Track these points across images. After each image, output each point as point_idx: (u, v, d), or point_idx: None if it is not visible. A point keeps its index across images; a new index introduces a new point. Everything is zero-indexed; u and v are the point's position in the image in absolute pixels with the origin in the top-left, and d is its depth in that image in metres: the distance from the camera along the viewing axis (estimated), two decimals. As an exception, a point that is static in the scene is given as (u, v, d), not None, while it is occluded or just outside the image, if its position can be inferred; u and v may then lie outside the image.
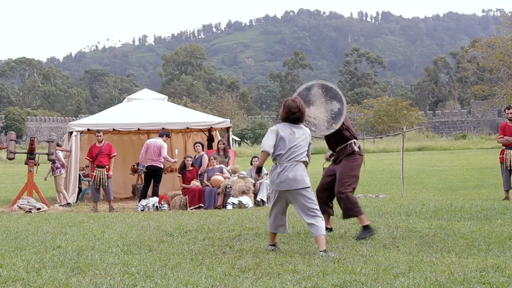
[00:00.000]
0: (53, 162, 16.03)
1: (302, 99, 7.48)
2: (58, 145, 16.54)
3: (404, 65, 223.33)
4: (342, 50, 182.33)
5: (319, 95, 7.93)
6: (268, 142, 7.13)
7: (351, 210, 8.16)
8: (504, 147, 13.29)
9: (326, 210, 8.52)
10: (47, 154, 15.98)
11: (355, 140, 8.36)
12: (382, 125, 70.46)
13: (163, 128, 16.67)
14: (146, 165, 15.34)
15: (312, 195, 7.11)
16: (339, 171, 8.27)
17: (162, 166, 15.48)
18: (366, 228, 8.05)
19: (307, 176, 7.12)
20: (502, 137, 13.23)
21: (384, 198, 15.11)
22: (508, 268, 5.66)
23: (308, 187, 7.06)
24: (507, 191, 13.17)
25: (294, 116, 7.19)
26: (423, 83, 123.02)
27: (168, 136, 16.15)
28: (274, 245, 7.40)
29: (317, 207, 7.12)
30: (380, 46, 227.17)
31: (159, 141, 15.59)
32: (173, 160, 16.12)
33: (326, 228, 7.78)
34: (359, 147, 8.39)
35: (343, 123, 8.07)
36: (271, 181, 7.22)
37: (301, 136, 7.19)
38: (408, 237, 7.92)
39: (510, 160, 13.08)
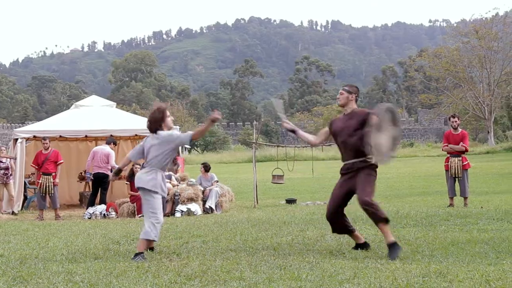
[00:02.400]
0: (6, 169, 15.73)
1: (378, 125, 7.07)
2: None
3: (353, 73, 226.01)
4: (293, 58, 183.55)
5: (388, 120, 7.17)
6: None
7: (378, 216, 7.27)
8: (448, 155, 13.57)
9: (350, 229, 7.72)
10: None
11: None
12: (331, 133, 71.05)
13: (110, 135, 16.51)
14: (93, 173, 15.19)
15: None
16: (359, 181, 7.44)
17: (109, 173, 15.35)
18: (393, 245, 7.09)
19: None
20: (447, 145, 13.51)
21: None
22: (450, 274, 5.76)
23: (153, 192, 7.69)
24: (451, 198, 13.44)
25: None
26: (372, 92, 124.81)
27: (115, 143, 16.03)
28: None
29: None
30: (329, 54, 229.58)
31: (106, 148, 15.46)
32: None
33: (359, 245, 7.57)
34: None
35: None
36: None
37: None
38: (354, 244, 7.99)
39: (454, 168, 13.35)
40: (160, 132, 7.80)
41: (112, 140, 15.88)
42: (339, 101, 7.69)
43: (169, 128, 7.80)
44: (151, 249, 7.87)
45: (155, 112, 7.89)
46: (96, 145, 17.50)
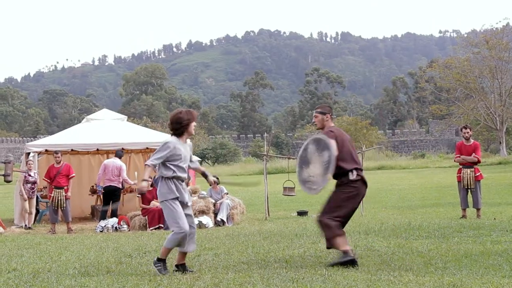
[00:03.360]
0: (34, 183, 15.82)
1: (302, 161, 7.64)
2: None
3: (364, 85, 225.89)
4: (303, 70, 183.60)
5: (314, 150, 7.61)
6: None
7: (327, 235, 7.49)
8: (461, 166, 13.52)
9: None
10: (4, 175, 15.72)
11: (353, 170, 7.58)
12: (342, 144, 70.96)
13: (122, 149, 16.58)
14: (104, 186, 15.24)
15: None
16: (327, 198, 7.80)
17: (120, 186, 15.44)
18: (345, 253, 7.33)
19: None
20: (459, 156, 13.47)
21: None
22: (463, 286, 5.73)
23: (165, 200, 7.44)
24: (464, 209, 13.38)
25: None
26: (382, 103, 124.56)
27: (121, 156, 16.14)
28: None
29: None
30: (340, 66, 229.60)
31: (118, 161, 15.54)
32: (132, 183, 16.08)
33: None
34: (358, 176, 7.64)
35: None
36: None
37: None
38: (366, 256, 7.97)
39: (467, 179, 13.30)
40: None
41: (121, 153, 15.99)
42: (316, 125, 7.95)
43: (190, 135, 7.57)
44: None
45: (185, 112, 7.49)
46: (108, 158, 17.56)
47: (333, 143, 7.40)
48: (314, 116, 7.93)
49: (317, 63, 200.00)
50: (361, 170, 7.72)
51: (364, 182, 7.69)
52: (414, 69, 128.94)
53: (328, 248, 7.60)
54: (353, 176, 7.49)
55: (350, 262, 7.13)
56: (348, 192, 7.56)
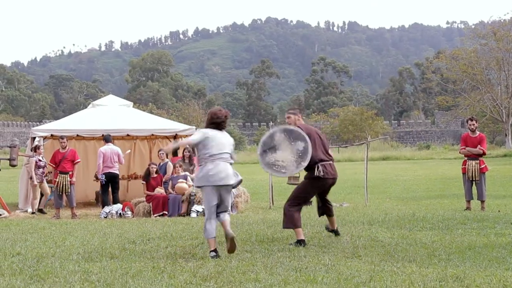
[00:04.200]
0: (44, 166, 15.83)
1: (267, 146, 8.53)
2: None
3: (370, 75, 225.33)
4: (309, 59, 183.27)
5: (283, 139, 8.50)
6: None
7: (288, 222, 8.60)
8: (466, 158, 13.48)
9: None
10: (9, 159, 15.77)
11: (320, 164, 8.57)
12: (347, 134, 71.10)
13: (127, 135, 16.58)
14: (103, 172, 15.22)
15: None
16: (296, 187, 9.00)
17: (118, 172, 15.48)
18: (299, 242, 8.36)
19: None
20: (464, 148, 13.42)
21: (348, 207, 15.20)
22: (467, 278, 5.73)
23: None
24: (468, 201, 13.36)
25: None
26: (388, 93, 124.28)
27: (109, 140, 16.08)
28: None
29: None
30: (346, 55, 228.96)
31: (114, 147, 15.52)
32: (125, 153, 16.20)
33: (332, 231, 9.06)
34: (325, 169, 8.63)
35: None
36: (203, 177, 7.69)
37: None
38: (370, 247, 7.97)
39: (472, 171, 13.27)
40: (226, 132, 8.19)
41: (110, 136, 15.92)
42: (289, 124, 8.93)
43: None
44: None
45: (225, 112, 8.30)
46: (113, 144, 17.58)
47: (307, 137, 8.43)
48: (287, 117, 9.04)
49: (324, 52, 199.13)
50: (329, 161, 8.79)
51: (332, 169, 8.80)
52: (421, 60, 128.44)
53: (284, 228, 8.81)
54: (318, 172, 8.47)
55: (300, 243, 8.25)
56: (315, 186, 8.71)
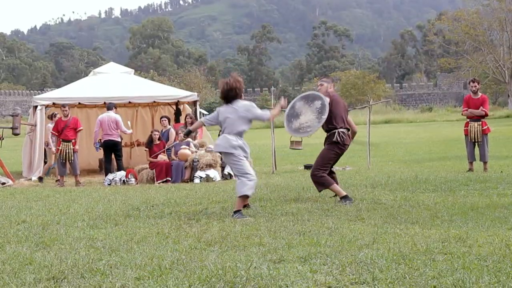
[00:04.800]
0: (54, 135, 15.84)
1: (291, 116, 9.35)
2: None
3: (371, 38, 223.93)
4: (310, 23, 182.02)
5: (302, 105, 9.27)
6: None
7: (322, 184, 9.17)
8: (468, 120, 13.46)
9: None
10: (12, 128, 15.80)
11: (340, 130, 9.16)
12: (349, 98, 70.85)
13: (129, 102, 16.55)
14: (103, 140, 15.21)
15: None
16: (318, 155, 9.44)
17: (119, 139, 15.43)
18: (345, 197, 8.87)
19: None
20: (466, 110, 13.40)
21: (350, 170, 15.26)
22: (469, 238, 5.76)
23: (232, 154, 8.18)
24: (471, 162, 13.37)
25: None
26: (390, 56, 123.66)
27: (116, 107, 15.97)
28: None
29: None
30: (347, 19, 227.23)
31: (112, 114, 15.44)
32: (129, 132, 16.00)
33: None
34: (343, 137, 9.19)
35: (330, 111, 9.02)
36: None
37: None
38: (373, 209, 8.01)
39: (474, 132, 13.26)
40: (237, 102, 8.21)
41: (113, 104, 15.83)
42: (320, 90, 9.44)
43: None
44: (246, 206, 8.40)
45: (233, 81, 8.21)
46: (116, 113, 17.57)
47: (321, 94, 9.14)
48: (319, 84, 9.57)
49: (325, 16, 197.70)
50: (348, 129, 9.38)
51: (348, 137, 9.34)
52: (422, 22, 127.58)
53: (320, 192, 9.43)
54: (339, 137, 9.08)
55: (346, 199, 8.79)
56: (335, 152, 9.24)
